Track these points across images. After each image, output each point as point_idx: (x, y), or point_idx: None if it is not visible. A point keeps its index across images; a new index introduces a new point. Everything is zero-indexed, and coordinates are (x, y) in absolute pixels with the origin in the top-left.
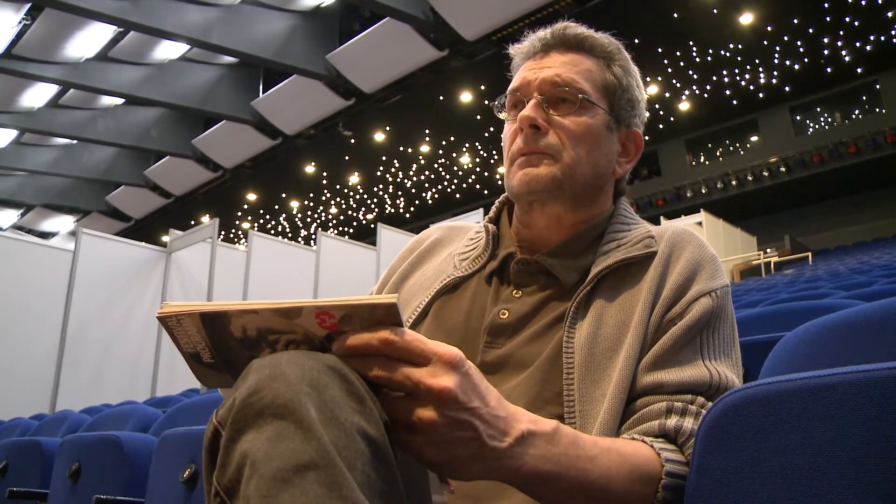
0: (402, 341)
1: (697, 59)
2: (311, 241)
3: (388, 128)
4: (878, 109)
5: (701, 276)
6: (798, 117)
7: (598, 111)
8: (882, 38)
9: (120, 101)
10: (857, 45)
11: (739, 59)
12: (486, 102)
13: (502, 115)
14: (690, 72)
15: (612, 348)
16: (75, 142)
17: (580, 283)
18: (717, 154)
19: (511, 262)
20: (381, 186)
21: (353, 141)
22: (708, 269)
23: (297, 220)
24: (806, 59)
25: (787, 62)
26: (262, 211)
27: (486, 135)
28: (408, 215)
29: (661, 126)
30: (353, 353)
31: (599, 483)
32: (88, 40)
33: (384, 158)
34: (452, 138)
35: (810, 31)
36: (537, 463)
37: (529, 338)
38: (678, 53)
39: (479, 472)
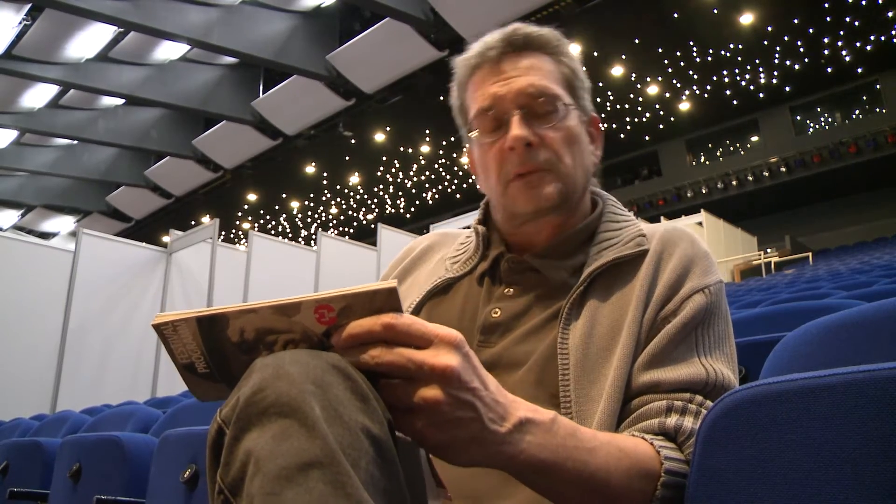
0: (404, 324)
1: (697, 59)
2: (312, 242)
3: (388, 128)
4: (878, 109)
5: (694, 273)
6: (798, 117)
7: (573, 111)
8: (882, 38)
9: (120, 101)
10: (857, 45)
11: (739, 59)
12: None
13: (473, 136)
14: (690, 72)
15: (606, 348)
16: (76, 142)
17: (573, 283)
18: (718, 154)
19: (502, 261)
20: (381, 187)
21: (353, 141)
22: (701, 265)
23: (297, 220)
24: (806, 59)
25: (787, 62)
26: (262, 211)
27: None
28: (408, 215)
29: (661, 126)
30: (354, 341)
31: (598, 475)
32: (88, 41)
33: (384, 159)
34: (453, 138)
35: (810, 31)
36: (535, 451)
37: (522, 336)
38: (678, 53)
39: (478, 455)
